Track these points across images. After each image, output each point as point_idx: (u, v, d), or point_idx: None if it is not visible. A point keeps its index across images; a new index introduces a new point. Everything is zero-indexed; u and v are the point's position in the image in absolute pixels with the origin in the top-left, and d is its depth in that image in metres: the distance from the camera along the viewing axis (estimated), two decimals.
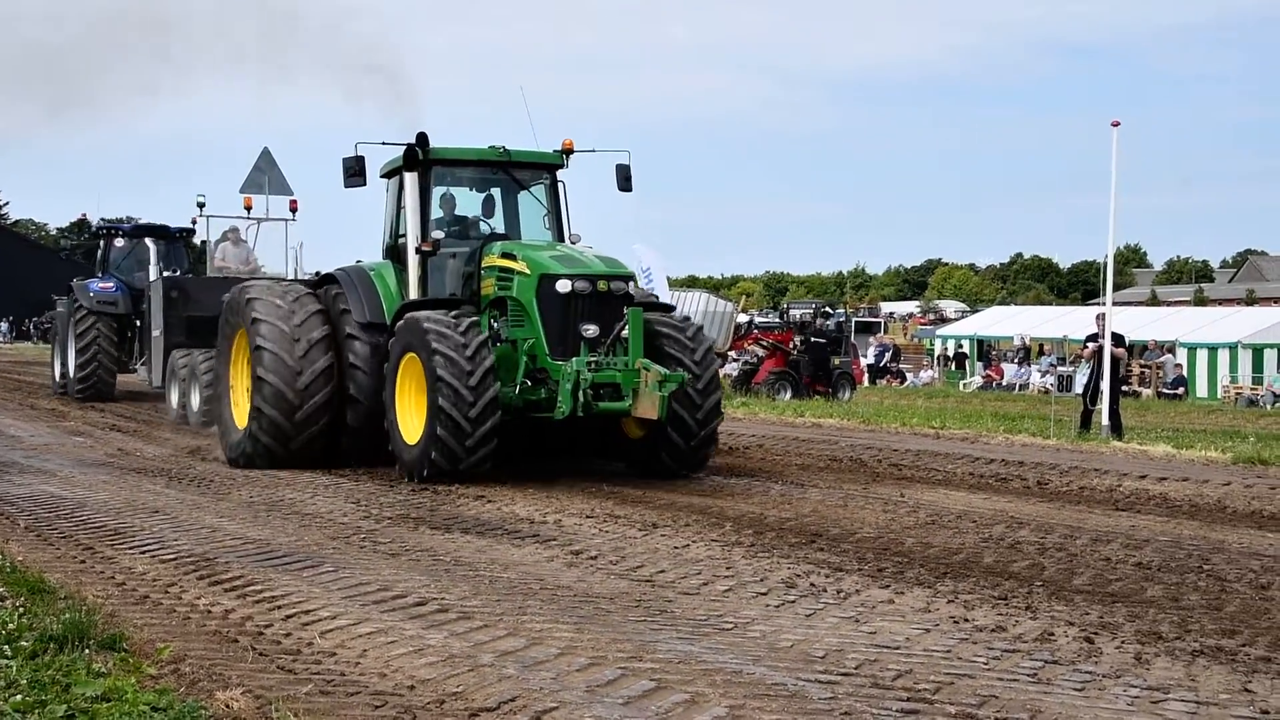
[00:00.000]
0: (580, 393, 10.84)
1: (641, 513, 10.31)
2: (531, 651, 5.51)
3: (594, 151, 13.71)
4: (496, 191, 13.71)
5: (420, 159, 12.55)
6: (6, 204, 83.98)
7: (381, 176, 13.51)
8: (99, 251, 23.73)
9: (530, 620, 6.20)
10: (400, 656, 5.43)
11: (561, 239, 13.26)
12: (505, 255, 12.07)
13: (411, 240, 12.57)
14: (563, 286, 11.33)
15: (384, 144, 12.81)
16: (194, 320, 18.26)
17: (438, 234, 13.00)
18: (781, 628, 6.12)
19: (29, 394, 25.49)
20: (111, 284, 22.05)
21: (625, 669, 5.23)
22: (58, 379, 23.40)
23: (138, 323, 21.82)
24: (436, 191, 13.25)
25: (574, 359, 11.05)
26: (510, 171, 13.50)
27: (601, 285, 11.58)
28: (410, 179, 12.58)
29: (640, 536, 9.15)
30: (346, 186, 12.79)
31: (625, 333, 11.39)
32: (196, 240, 23.55)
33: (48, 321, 45.72)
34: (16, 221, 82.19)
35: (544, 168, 13.59)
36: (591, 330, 11.35)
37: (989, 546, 8.84)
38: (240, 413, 13.07)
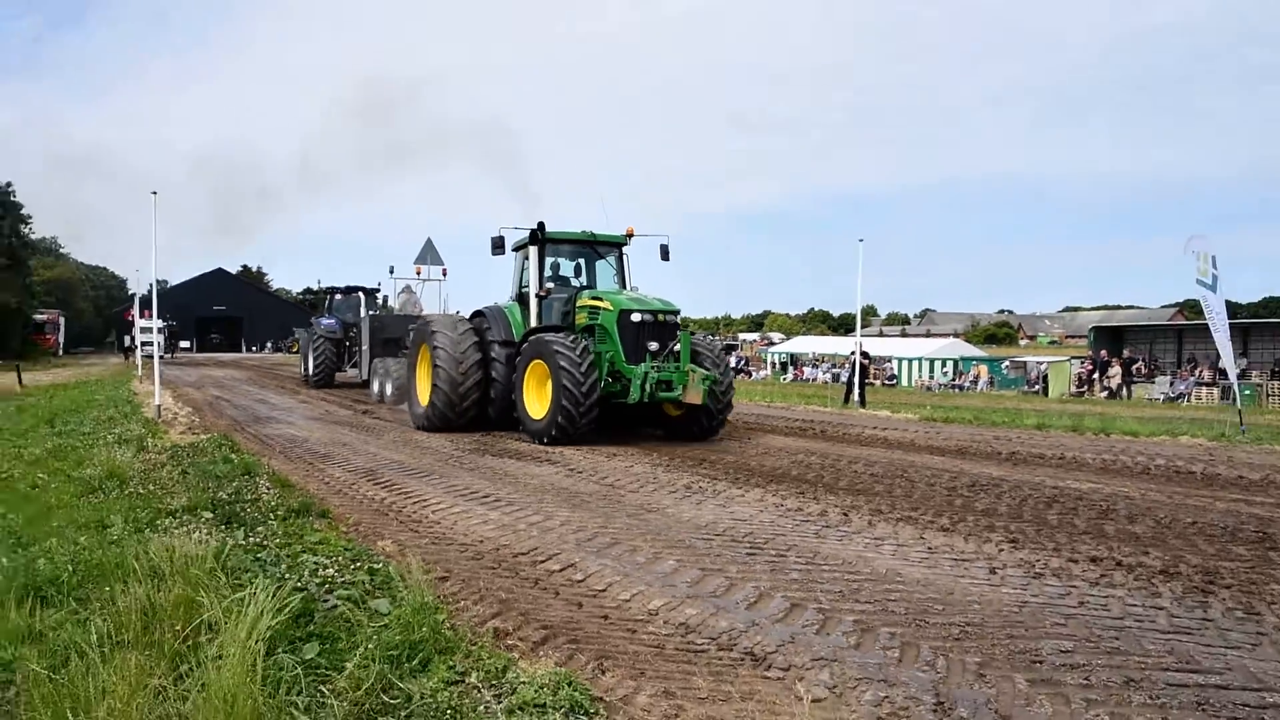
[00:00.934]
0: (647, 385, 14.49)
1: (608, 448, 14.25)
2: (546, 523, 8.54)
3: (646, 236, 17.91)
4: (582, 259, 17.76)
5: (540, 238, 16.66)
6: (270, 276, 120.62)
7: (513, 250, 17.58)
8: (325, 301, 33.47)
9: (545, 506, 9.27)
10: (474, 525, 8.43)
11: (624, 287, 17.50)
12: (594, 298, 15.99)
13: (533, 289, 16.63)
14: (635, 317, 15.14)
15: (516, 228, 17.03)
16: (387, 340, 26.11)
17: (550, 284, 17.02)
18: (683, 511, 9.15)
19: (281, 381, 34.14)
20: (333, 321, 31.06)
21: (597, 532, 8.16)
22: (302, 375, 32.51)
23: (347, 343, 30.70)
24: (548, 259, 17.26)
25: (642, 364, 14.72)
26: (594, 246, 17.65)
27: (660, 316, 15.38)
28: (533, 250, 16.71)
29: (605, 461, 12.91)
30: (493, 255, 16.94)
31: (677, 347, 14.95)
32: (382, 293, 33.25)
33: (291, 343, 73.68)
34: (277, 289, 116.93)
35: (614, 245, 17.79)
36: (654, 345, 15.09)
37: (795, 466, 12.76)
38: (423, 396, 17.13)
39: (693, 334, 16.51)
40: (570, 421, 14.23)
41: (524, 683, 4.34)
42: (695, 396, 14.73)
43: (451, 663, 4.66)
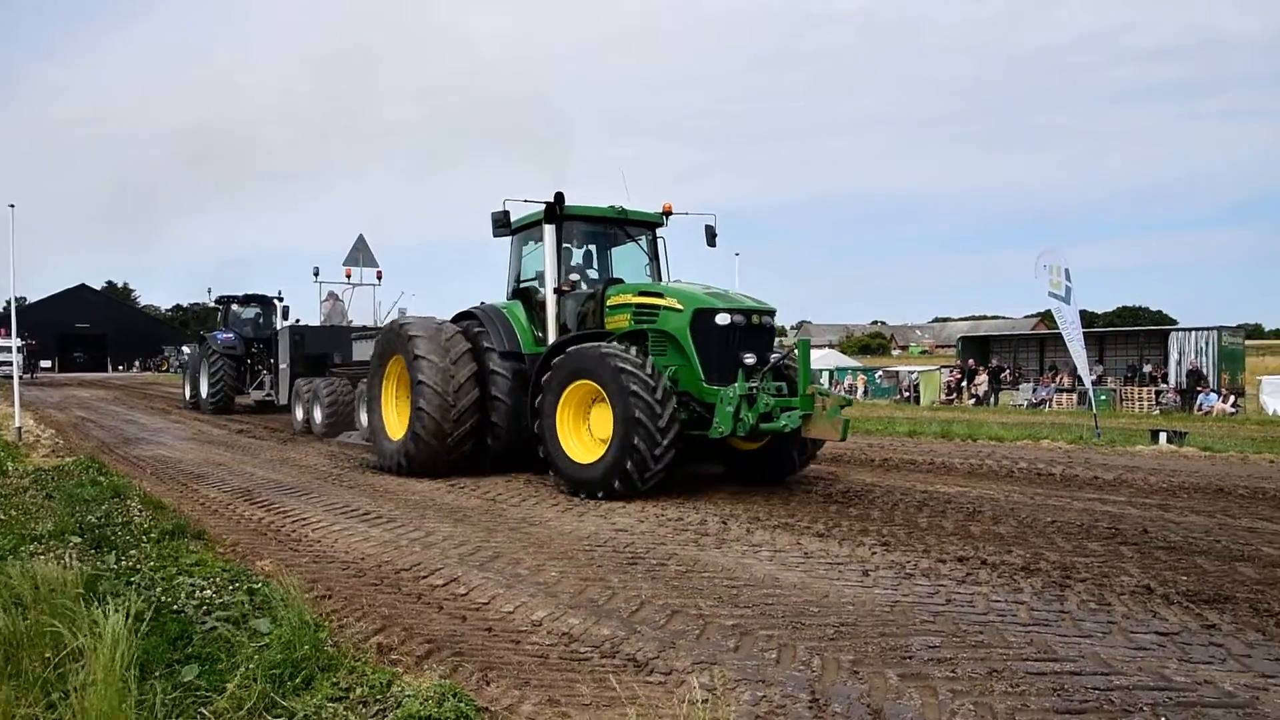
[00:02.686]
0: (744, 415, 10.47)
1: None
2: (428, 538, 8.53)
3: (686, 214, 13.88)
4: (595, 245, 13.98)
5: (559, 214, 12.80)
6: (137, 292, 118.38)
7: (512, 233, 13.68)
8: (220, 313, 29.01)
9: (427, 522, 9.30)
10: (355, 543, 8.37)
11: (659, 280, 13.66)
12: (648, 294, 11.91)
13: (550, 282, 12.85)
14: (722, 319, 11.07)
15: (526, 200, 12.88)
16: (310, 357, 22.08)
17: (574, 276, 13.41)
18: (564, 524, 9.24)
19: (151, 402, 32.27)
20: (231, 335, 27.23)
21: (480, 546, 8.18)
22: (188, 398, 28.56)
23: (249, 361, 27.28)
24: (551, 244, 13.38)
25: (735, 384, 10.65)
26: (623, 227, 13.83)
27: (755, 319, 11.44)
28: (549, 230, 12.81)
29: (486, 476, 12.72)
30: (495, 236, 13.25)
31: (785, 360, 11.67)
32: (282, 303, 27.84)
33: (161, 361, 76.05)
34: (145, 305, 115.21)
35: (649, 225, 13.93)
36: (751, 358, 11.12)
37: (673, 478, 11.39)
38: (394, 425, 13.54)
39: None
40: (641, 468, 10.33)
41: (409, 696, 4.34)
42: (829, 431, 10.59)
43: (335, 679, 4.63)
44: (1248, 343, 46.16)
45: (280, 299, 27.99)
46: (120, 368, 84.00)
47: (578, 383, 11.11)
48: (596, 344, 11.17)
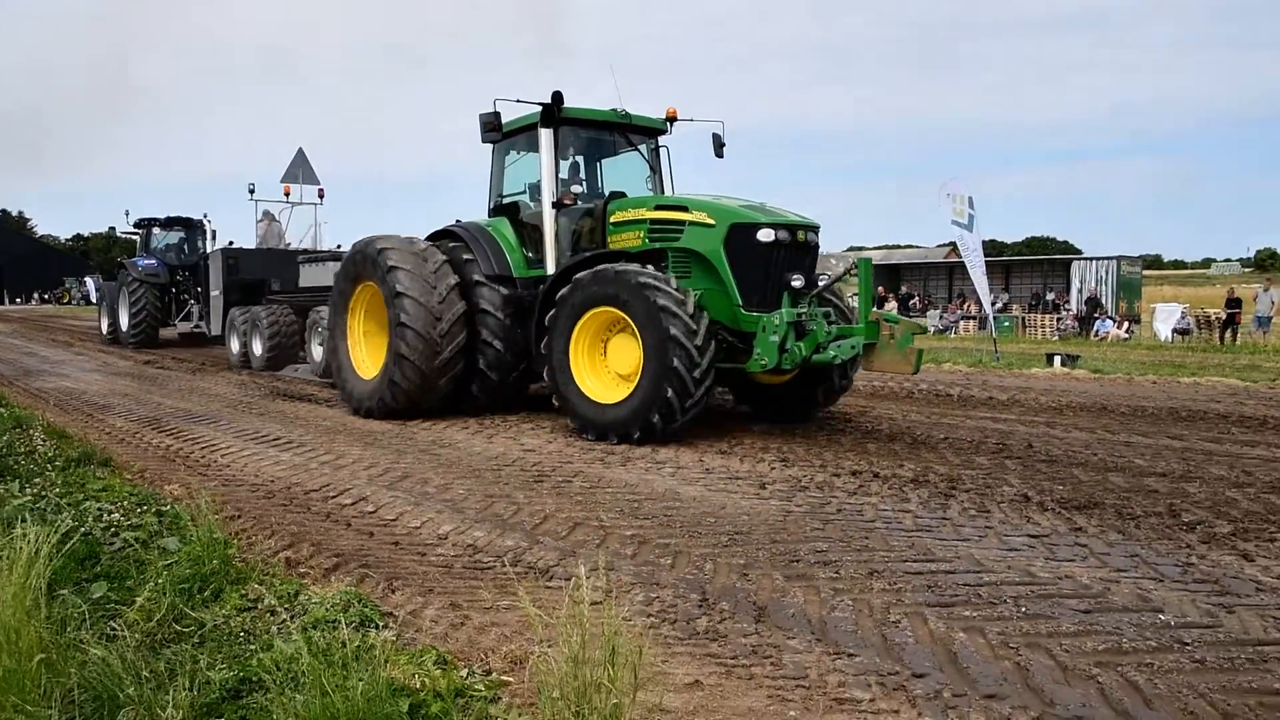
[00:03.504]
0: (792, 345, 9.26)
1: None
2: (338, 461, 8.66)
3: (692, 120, 12.48)
4: (583, 157, 12.44)
5: (557, 116, 11.29)
6: (34, 222, 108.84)
7: (499, 139, 11.77)
8: (139, 239, 26.32)
9: (338, 446, 9.38)
10: (265, 467, 8.45)
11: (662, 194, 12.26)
12: (668, 207, 10.46)
13: (548, 195, 11.27)
14: (765, 236, 9.71)
15: (519, 100, 11.29)
16: (246, 283, 20.09)
17: (576, 189, 11.80)
18: (474, 445, 9.45)
19: (52, 334, 30.68)
20: (154, 261, 24.73)
21: (389, 467, 8.33)
22: (105, 332, 26.06)
23: (174, 290, 24.82)
24: (532, 154, 11.96)
25: (782, 310, 9.43)
26: (625, 134, 12.31)
27: (800, 235, 10.06)
28: (546, 135, 11.28)
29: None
30: (484, 141, 11.59)
31: (831, 281, 10.45)
32: (210, 227, 25.95)
33: (62, 293, 73.76)
34: (42, 235, 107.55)
35: (650, 133, 12.44)
36: (799, 280, 9.77)
37: None
38: (364, 363, 11.97)
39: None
40: (674, 410, 9.08)
41: (315, 603, 4.51)
42: (900, 363, 9.38)
43: (243, 591, 4.78)
44: (1146, 272, 47.82)
45: (208, 221, 25.86)
46: (18, 300, 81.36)
47: (596, 310, 9.69)
48: (620, 265, 9.66)
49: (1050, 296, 36.74)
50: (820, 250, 10.70)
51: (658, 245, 10.29)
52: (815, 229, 10.39)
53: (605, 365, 9.93)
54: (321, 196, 23.20)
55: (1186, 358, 21.23)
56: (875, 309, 9.74)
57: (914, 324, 9.91)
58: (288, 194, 22.64)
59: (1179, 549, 5.71)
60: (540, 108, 11.23)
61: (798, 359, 9.30)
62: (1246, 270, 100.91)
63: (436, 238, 12.23)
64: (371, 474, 7.99)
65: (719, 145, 12.59)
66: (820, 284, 10.19)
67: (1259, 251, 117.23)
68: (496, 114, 11.17)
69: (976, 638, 4.27)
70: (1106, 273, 35.28)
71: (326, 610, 4.40)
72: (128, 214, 26.37)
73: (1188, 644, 4.20)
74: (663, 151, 12.48)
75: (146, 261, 24.60)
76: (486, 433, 10.02)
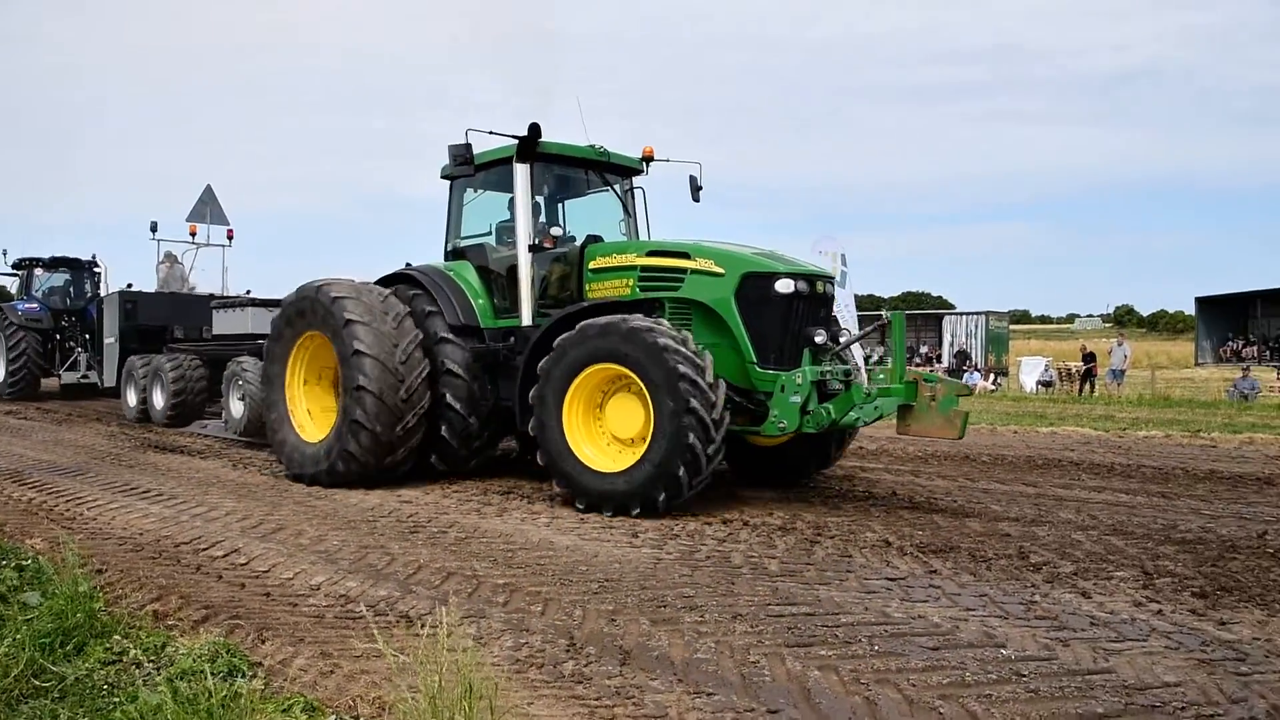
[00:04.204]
0: (815, 408, 8.42)
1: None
2: (210, 513, 8.52)
3: (669, 161, 11.48)
4: (543, 198, 11.20)
5: (532, 150, 10.37)
6: None
7: (444, 177, 11.29)
8: (19, 281, 24.18)
9: (210, 498, 9.26)
10: (135, 519, 8.24)
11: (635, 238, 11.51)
12: (664, 254, 9.48)
13: (524, 237, 10.23)
14: (784, 287, 8.83)
15: (492, 133, 10.24)
16: (145, 329, 18.53)
17: (556, 230, 11.00)
18: (350, 496, 9.48)
19: None
20: (36, 305, 22.60)
21: (264, 519, 8.23)
22: None
23: (58, 336, 22.70)
24: (486, 194, 11.38)
25: (805, 368, 8.57)
26: (602, 173, 11.42)
27: (819, 286, 9.27)
28: (522, 171, 10.32)
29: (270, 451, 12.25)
30: (453, 175, 10.97)
31: (858, 340, 9.56)
32: (99, 268, 23.79)
33: None
34: None
35: (628, 172, 11.56)
36: (821, 336, 9.04)
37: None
38: (306, 422, 10.70)
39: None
40: (694, 471, 8.11)
41: (183, 654, 4.51)
42: (944, 427, 8.56)
43: (108, 645, 4.74)
44: (1014, 327, 49.87)
45: (95, 264, 23.74)
46: None
47: (595, 368, 8.64)
48: (637, 321, 8.53)
49: (924, 349, 38.03)
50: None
51: (652, 295, 9.39)
52: (832, 280, 9.77)
53: (600, 427, 8.93)
54: (230, 238, 21.80)
55: (1048, 408, 22.17)
56: (920, 372, 9.14)
57: (958, 384, 9.05)
58: (193, 234, 21.09)
59: (1025, 588, 6.05)
60: (516, 140, 10.27)
61: (825, 422, 8.42)
62: (1106, 325, 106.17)
63: (389, 282, 10.94)
64: (245, 526, 7.90)
65: (696, 188, 11.63)
66: (843, 340, 9.62)
67: (1117, 308, 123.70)
68: (468, 145, 10.10)
69: (830, 675, 4.49)
70: (976, 326, 36.72)
71: (193, 661, 4.40)
72: (4, 253, 24.19)
73: (1024, 675, 4.48)
74: (638, 193, 11.60)
75: (27, 305, 22.50)
76: (364, 484, 9.98)
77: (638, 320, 8.52)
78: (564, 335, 8.86)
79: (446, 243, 11.49)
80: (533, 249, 10.29)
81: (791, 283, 8.82)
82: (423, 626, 5.19)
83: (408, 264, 11.27)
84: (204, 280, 21.67)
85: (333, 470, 9.86)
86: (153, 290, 20.14)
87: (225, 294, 19.92)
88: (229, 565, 6.58)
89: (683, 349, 8.21)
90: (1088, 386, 29.72)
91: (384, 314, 9.99)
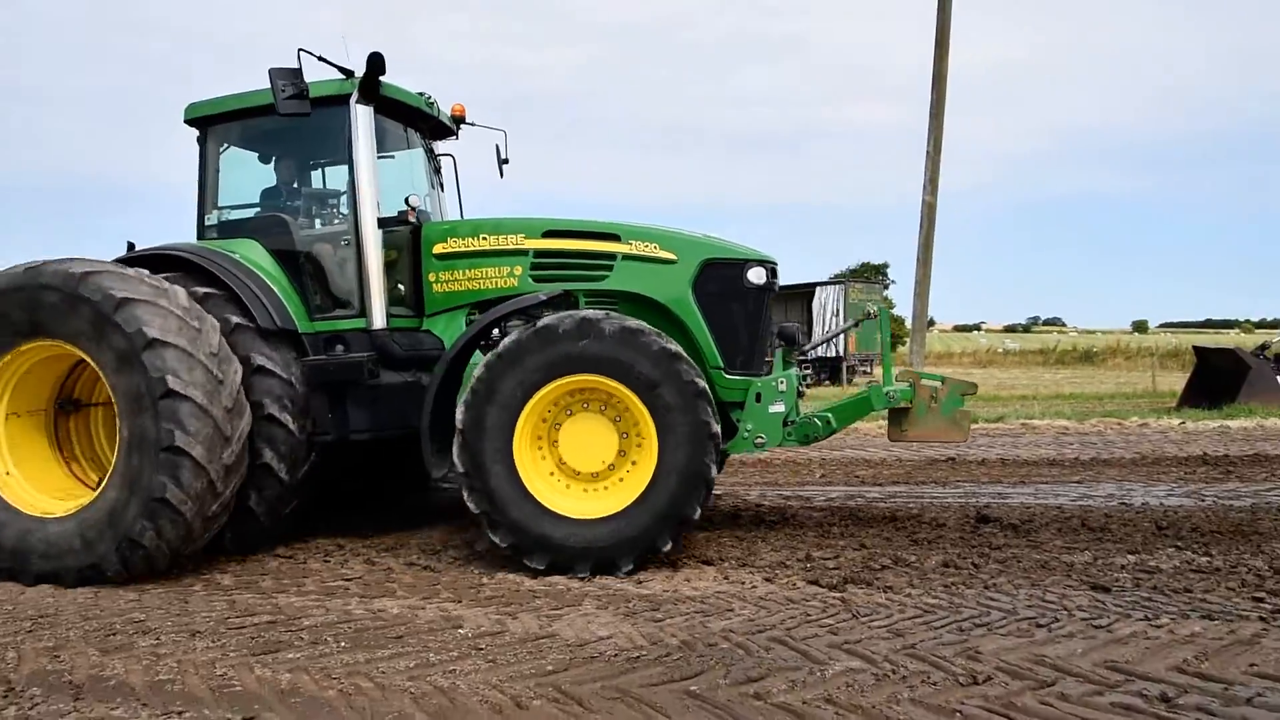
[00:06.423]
0: (796, 417, 7.28)
1: None
2: None
3: (474, 125, 9.12)
4: (312, 162, 8.45)
5: (375, 90, 7.54)
6: None
7: (292, 109, 7.14)
8: None
9: None
10: None
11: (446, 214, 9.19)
12: (578, 235, 7.52)
13: (369, 208, 7.44)
14: (757, 276, 7.32)
15: (321, 59, 7.35)
16: None
17: (415, 198, 7.95)
18: None
19: None
20: None
21: None
22: None
23: None
24: (239, 154, 8.34)
25: (791, 373, 7.34)
26: (421, 131, 8.81)
27: (775, 275, 7.68)
28: (365, 115, 7.52)
29: None
30: (284, 113, 7.07)
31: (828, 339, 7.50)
32: None
33: None
34: None
35: (444, 132, 9.07)
36: (796, 332, 7.71)
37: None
38: (23, 488, 6.85)
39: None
40: (693, 517, 6.46)
41: None
42: (949, 430, 7.55)
43: None
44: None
45: None
46: None
47: (562, 381, 6.52)
48: (630, 322, 6.55)
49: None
50: None
51: (564, 286, 7.41)
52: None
53: (551, 460, 6.73)
54: None
55: None
56: (917, 371, 8.10)
57: (962, 383, 7.79)
58: None
59: (472, 575, 6.53)
60: (352, 74, 7.53)
61: (820, 433, 7.38)
62: None
63: (150, 266, 7.14)
64: None
65: (501, 160, 9.36)
66: (816, 337, 8.43)
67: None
68: (298, 70, 7.11)
69: (302, 675, 4.53)
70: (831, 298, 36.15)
71: None
72: None
73: (482, 649, 4.88)
74: (446, 161, 9.24)
75: None
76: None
77: (632, 321, 6.59)
78: (515, 336, 6.63)
79: (202, 214, 8.20)
80: (383, 224, 7.65)
81: (764, 271, 7.39)
82: None
83: (170, 244, 7.74)
84: None
85: (126, 563, 6.30)
86: None
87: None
88: None
89: (689, 358, 6.63)
90: None
91: (197, 332, 6.57)
